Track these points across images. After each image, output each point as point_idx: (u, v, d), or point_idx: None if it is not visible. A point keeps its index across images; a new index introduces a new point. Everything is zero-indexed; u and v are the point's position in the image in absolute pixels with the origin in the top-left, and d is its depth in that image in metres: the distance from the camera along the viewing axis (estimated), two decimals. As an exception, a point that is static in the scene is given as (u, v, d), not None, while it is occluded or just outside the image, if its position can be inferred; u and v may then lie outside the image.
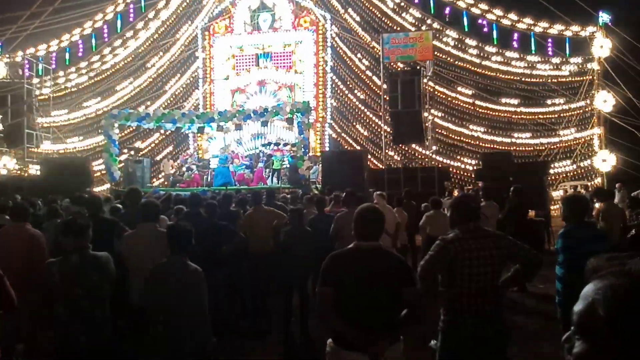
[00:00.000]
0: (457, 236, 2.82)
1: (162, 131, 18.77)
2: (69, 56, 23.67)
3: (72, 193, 9.99)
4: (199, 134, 21.52)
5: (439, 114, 20.59)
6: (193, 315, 2.98)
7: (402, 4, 21.06)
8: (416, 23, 20.67)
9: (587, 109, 19.66)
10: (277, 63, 22.10)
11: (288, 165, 16.29)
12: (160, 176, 20.06)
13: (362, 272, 2.43)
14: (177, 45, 23.52)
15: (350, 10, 22.00)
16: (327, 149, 20.68)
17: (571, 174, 19.55)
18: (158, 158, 22.09)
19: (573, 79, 20.23)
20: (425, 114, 17.51)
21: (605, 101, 18.99)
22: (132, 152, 18.81)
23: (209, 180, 17.35)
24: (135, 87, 23.18)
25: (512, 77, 20.63)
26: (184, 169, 17.89)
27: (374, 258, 2.47)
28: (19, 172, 20.97)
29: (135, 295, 3.82)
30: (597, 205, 8.07)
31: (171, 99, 23.32)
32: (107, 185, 20.05)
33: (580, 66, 20.01)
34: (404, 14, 20.92)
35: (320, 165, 15.54)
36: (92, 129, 22.80)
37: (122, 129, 18.35)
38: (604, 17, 19.45)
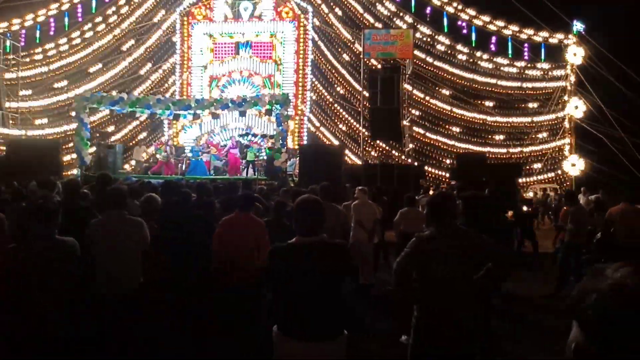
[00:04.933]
0: (433, 234, 2.82)
1: (137, 116, 18.25)
2: (40, 36, 22.78)
3: (38, 175, 9.64)
4: (174, 121, 21.08)
5: (417, 113, 20.78)
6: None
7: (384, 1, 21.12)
8: (392, 18, 20.74)
9: (558, 120, 20.21)
10: (257, 53, 21.83)
11: (265, 157, 16.16)
12: (132, 163, 19.56)
13: (302, 270, 2.42)
14: (154, 30, 22.95)
15: (331, 3, 21.89)
16: (305, 142, 20.61)
17: (543, 178, 20.11)
18: (131, 144, 21.58)
19: (546, 86, 20.76)
20: (404, 113, 17.65)
21: (576, 107, 19.57)
22: (104, 139, 18.24)
23: (183, 169, 17.05)
24: (110, 72, 22.52)
25: (486, 86, 20.99)
26: (158, 155, 17.47)
27: (314, 253, 2.44)
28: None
29: (100, 284, 3.70)
30: (564, 207, 8.34)
31: (148, 85, 22.77)
32: (75, 170, 19.48)
33: (554, 73, 20.55)
34: (381, 9, 20.94)
35: (298, 158, 15.47)
36: (65, 115, 22.04)
37: (94, 113, 17.79)
38: (578, 25, 20.00)
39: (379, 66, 18.95)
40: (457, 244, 2.76)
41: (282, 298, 2.49)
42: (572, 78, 19.96)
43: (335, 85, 21.85)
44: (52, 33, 22.90)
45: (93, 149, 16.80)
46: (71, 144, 19.52)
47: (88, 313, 3.38)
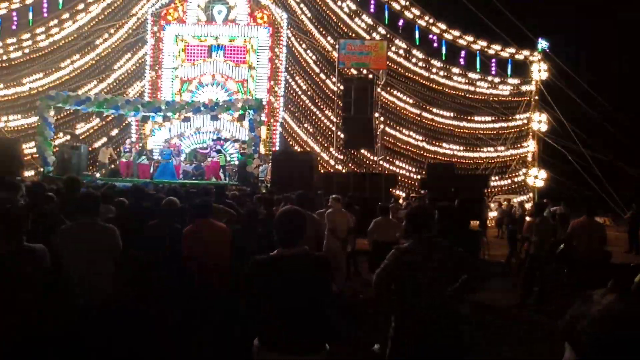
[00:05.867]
0: (412, 246, 2.88)
1: (103, 115, 17.74)
2: (1, 28, 21.84)
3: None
4: (142, 123, 20.61)
5: (388, 122, 21.13)
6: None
7: (358, 10, 21.41)
8: (369, 30, 21.09)
9: (523, 128, 20.99)
10: (231, 57, 21.67)
11: (236, 162, 16.02)
12: (96, 165, 18.96)
13: (285, 283, 2.42)
14: (124, 29, 22.42)
15: (306, 11, 22.01)
16: (277, 148, 20.56)
17: (506, 187, 20.79)
18: (96, 145, 20.92)
19: (512, 99, 21.55)
20: (376, 116, 17.87)
21: (540, 121, 20.38)
22: (69, 138, 17.59)
23: (151, 171, 16.67)
24: (75, 68, 21.80)
25: (456, 92, 21.60)
26: (128, 156, 16.84)
27: (296, 265, 2.45)
28: None
29: (70, 293, 3.56)
30: (528, 219, 8.64)
31: (114, 83, 22.18)
32: (31, 173, 18.74)
33: (518, 88, 21.37)
34: (357, 20, 21.26)
35: (270, 164, 15.41)
36: (25, 108, 21.17)
37: (58, 111, 17.16)
38: (542, 43, 20.91)
39: (354, 72, 19.20)
40: (434, 256, 2.83)
41: (265, 311, 2.46)
42: (535, 94, 20.79)
43: (309, 93, 21.93)
44: (14, 28, 22.01)
45: (56, 150, 16.18)
46: (32, 143, 18.81)
47: (58, 322, 3.25)
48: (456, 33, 21.00)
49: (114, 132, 21.88)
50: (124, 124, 21.40)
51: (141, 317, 3.94)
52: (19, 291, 2.94)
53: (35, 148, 16.41)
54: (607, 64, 27.06)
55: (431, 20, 20.92)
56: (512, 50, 21.02)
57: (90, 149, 19.28)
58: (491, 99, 21.55)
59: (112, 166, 17.19)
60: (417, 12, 20.87)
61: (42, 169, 15.70)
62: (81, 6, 21.93)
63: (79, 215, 3.82)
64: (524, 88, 21.19)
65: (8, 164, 12.58)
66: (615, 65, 27.18)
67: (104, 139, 21.54)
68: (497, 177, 20.68)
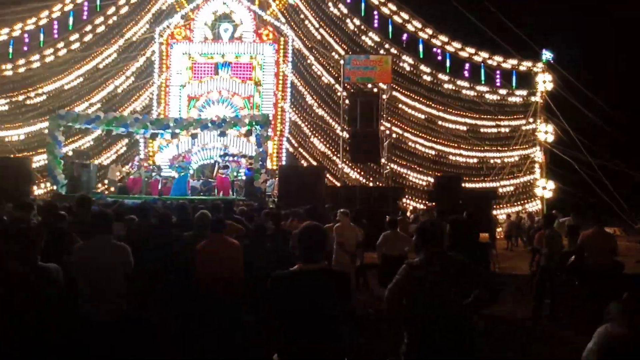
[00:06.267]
0: (423, 261, 2.89)
1: (113, 134, 18.00)
2: (13, 50, 22.34)
3: (8, 195, 9.34)
4: (150, 140, 20.84)
5: (398, 131, 21.21)
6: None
7: (362, 27, 21.64)
8: (375, 47, 21.29)
9: (529, 146, 20.94)
10: (237, 74, 21.94)
11: (243, 178, 16.09)
12: (105, 182, 19.13)
13: (305, 298, 2.44)
14: (132, 47, 22.83)
15: (311, 28, 22.29)
16: (283, 163, 20.65)
17: (513, 192, 20.69)
18: (105, 162, 21.18)
19: (518, 110, 21.56)
20: (383, 127, 17.92)
21: (546, 132, 20.33)
22: (78, 158, 17.74)
23: (159, 187, 16.79)
24: (84, 85, 22.23)
25: (463, 105, 21.67)
26: (139, 173, 16.96)
27: (316, 281, 2.47)
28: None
29: (84, 310, 3.60)
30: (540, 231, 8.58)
31: (122, 100, 22.54)
32: (41, 191, 18.98)
33: (525, 98, 21.37)
34: (363, 37, 21.48)
35: (277, 179, 15.46)
36: (26, 118, 21.51)
37: (67, 129, 17.43)
38: (547, 54, 20.96)
39: (360, 87, 19.33)
40: (446, 270, 2.84)
41: (285, 325, 2.48)
42: (541, 105, 20.78)
43: (315, 107, 22.09)
44: (25, 49, 22.51)
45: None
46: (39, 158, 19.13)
47: (71, 340, 3.29)
48: (458, 46, 21.15)
49: (123, 149, 22.18)
50: (132, 142, 21.68)
51: (146, 327, 3.97)
52: (34, 310, 2.98)
53: (47, 165, 16.59)
54: (607, 66, 26.98)
55: (443, 38, 21.03)
56: (514, 61, 21.09)
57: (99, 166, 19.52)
58: (497, 109, 21.58)
59: (120, 184, 17.34)
60: (418, 25, 21.06)
61: (53, 187, 15.86)
62: (89, 27, 22.40)
63: (92, 234, 3.88)
64: (530, 99, 21.20)
65: (19, 183, 12.72)
66: (616, 68, 27.08)
67: (113, 157, 21.83)
68: (505, 179, 20.58)
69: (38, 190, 19.07)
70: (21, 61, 22.18)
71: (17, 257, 3.12)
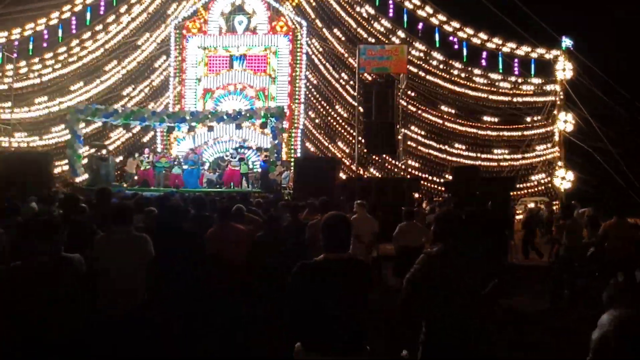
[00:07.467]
0: (441, 251, 2.88)
1: (131, 127, 18.20)
2: (33, 47, 22.71)
3: (31, 191, 9.52)
4: (167, 133, 21.08)
5: (413, 129, 21.03)
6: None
7: (377, 15, 21.42)
8: (387, 34, 21.04)
9: (548, 134, 20.54)
10: (252, 66, 21.98)
11: (259, 170, 16.18)
12: (124, 175, 19.44)
13: (330, 287, 2.45)
14: (148, 43, 23.01)
15: (325, 18, 22.17)
16: (298, 155, 20.67)
17: (531, 191, 20.37)
18: (122, 157, 21.49)
19: (537, 100, 21.12)
20: (399, 127, 17.83)
21: (565, 122, 19.90)
22: (101, 151, 18.03)
23: (176, 181, 16.97)
24: (104, 85, 22.51)
25: (480, 96, 21.33)
26: (147, 164, 17.11)
27: (342, 271, 2.49)
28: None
29: (104, 301, 3.68)
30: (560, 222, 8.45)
31: (141, 98, 22.77)
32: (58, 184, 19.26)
33: (544, 87, 20.91)
34: (375, 25, 21.26)
35: (292, 171, 15.50)
36: (48, 125, 21.87)
37: (87, 124, 17.73)
38: (566, 41, 20.43)
39: (374, 78, 19.17)
40: (463, 260, 2.83)
41: (309, 314, 2.50)
42: (561, 93, 20.32)
43: (330, 99, 22.02)
44: (45, 45, 22.85)
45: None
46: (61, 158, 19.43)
47: (93, 331, 3.37)
48: (475, 33, 20.77)
49: (141, 142, 22.47)
50: (150, 136, 21.93)
51: (171, 323, 4.04)
52: (58, 299, 3.06)
53: (66, 160, 16.91)
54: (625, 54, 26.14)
55: (455, 24, 20.71)
56: (529, 49, 20.61)
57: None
58: (514, 99, 21.18)
59: (136, 177, 17.59)
60: (431, 12, 20.75)
61: (72, 181, 16.18)
62: (109, 20, 22.64)
63: (113, 226, 3.95)
64: (548, 88, 20.74)
65: (40, 179, 12.97)
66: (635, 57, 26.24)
67: (131, 150, 22.13)
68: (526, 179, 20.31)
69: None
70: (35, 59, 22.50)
71: (41, 247, 3.20)
